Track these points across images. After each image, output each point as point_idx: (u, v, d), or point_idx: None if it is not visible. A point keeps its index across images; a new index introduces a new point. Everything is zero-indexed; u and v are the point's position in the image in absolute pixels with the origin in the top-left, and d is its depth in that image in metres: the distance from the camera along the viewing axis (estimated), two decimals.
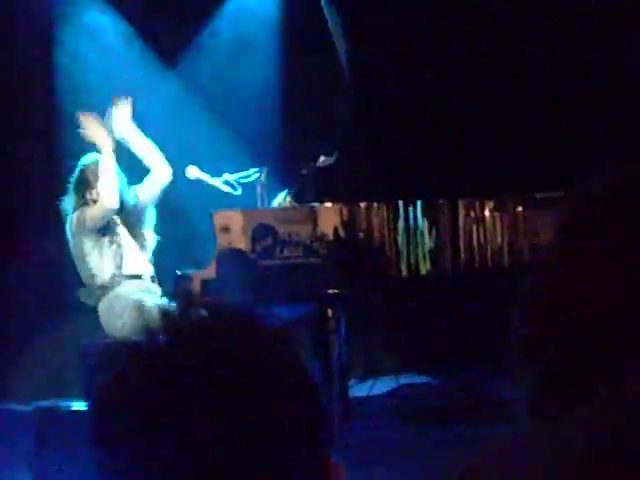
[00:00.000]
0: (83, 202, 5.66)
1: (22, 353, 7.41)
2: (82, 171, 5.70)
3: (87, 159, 5.72)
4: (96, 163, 5.67)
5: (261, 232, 5.43)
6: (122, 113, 5.79)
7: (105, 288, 5.66)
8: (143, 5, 7.39)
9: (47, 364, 7.22)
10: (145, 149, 5.82)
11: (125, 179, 5.77)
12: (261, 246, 5.40)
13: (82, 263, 5.67)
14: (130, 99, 5.85)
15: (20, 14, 7.27)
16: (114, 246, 5.68)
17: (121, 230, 5.78)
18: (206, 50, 7.44)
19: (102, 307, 5.68)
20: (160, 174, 5.84)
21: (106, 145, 5.63)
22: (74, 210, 5.66)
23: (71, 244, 5.68)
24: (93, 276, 5.64)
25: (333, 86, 6.43)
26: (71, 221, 5.65)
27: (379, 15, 6.51)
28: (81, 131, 5.72)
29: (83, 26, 7.37)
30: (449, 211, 5.67)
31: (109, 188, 5.57)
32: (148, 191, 5.86)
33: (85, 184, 5.66)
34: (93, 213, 5.59)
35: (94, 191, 5.63)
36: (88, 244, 5.63)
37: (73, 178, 5.72)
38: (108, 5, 7.38)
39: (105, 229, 5.67)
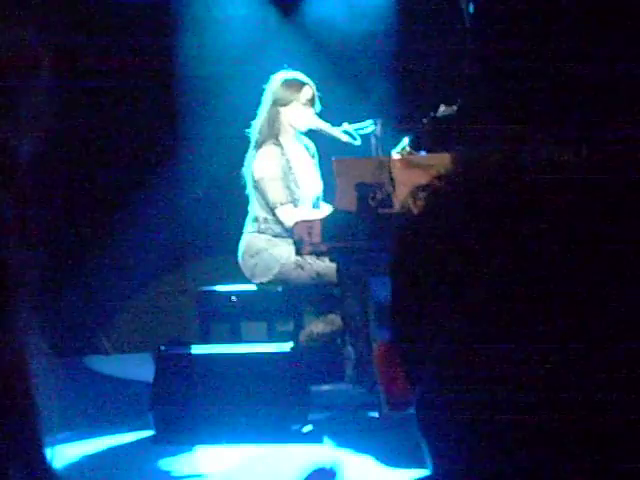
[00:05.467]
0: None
1: (138, 301, 7.51)
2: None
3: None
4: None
5: (380, 180, 5.37)
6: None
7: (253, 232, 5.79)
8: None
9: (164, 311, 7.31)
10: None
11: None
12: (379, 194, 5.35)
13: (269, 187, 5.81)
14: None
15: None
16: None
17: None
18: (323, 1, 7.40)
19: (248, 253, 5.78)
20: None
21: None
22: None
23: (263, 168, 5.81)
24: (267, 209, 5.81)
25: (454, 34, 6.32)
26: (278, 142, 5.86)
27: None
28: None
29: None
30: None
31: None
32: None
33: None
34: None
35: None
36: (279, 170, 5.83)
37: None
38: None
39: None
